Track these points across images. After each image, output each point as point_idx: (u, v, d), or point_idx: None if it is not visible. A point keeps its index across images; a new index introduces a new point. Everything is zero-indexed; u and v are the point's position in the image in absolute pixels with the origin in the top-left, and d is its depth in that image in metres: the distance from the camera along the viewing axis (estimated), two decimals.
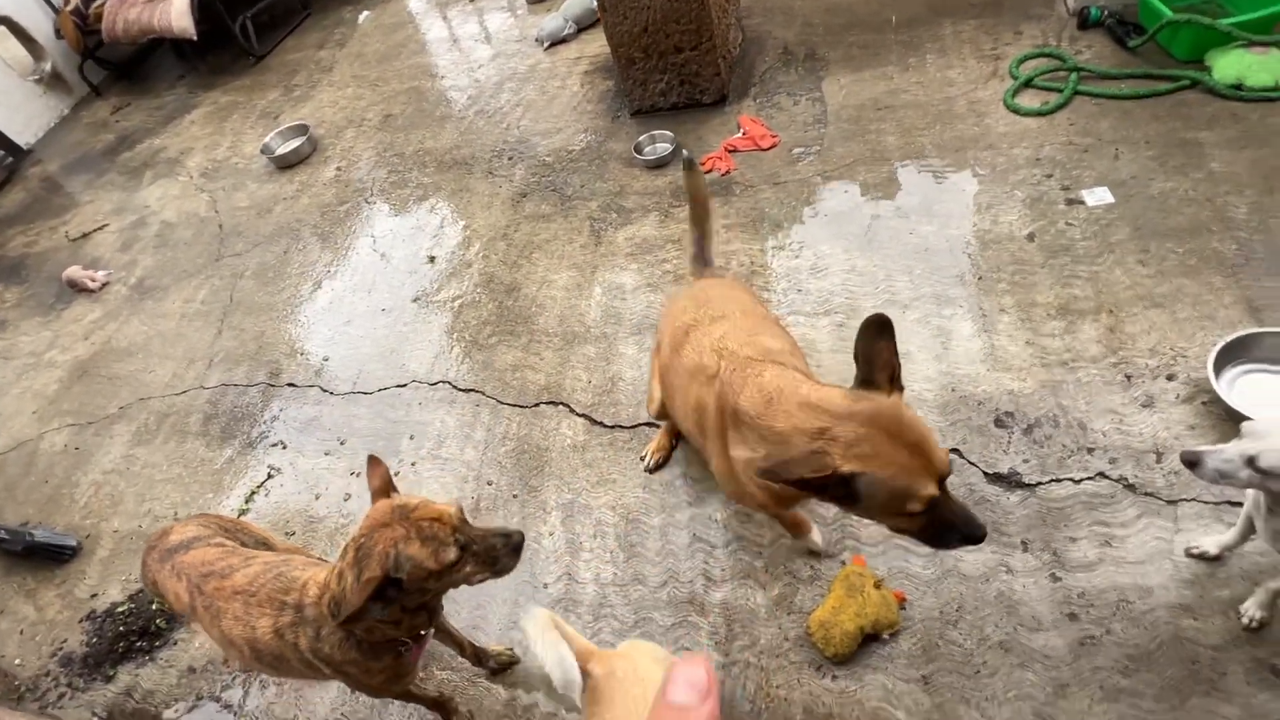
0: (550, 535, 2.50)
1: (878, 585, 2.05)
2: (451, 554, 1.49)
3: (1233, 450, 1.46)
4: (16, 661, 2.76)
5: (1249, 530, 1.77)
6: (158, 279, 4.27)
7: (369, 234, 4.00)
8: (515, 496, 2.64)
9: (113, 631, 2.70)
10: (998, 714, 1.85)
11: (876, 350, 1.41)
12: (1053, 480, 2.18)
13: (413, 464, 2.85)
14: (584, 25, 4.81)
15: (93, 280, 4.36)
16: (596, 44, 4.58)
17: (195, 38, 5.49)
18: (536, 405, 2.89)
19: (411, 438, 2.95)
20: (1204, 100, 2.99)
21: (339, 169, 4.54)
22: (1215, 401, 2.15)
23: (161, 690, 2.52)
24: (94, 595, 2.86)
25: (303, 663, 1.68)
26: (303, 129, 4.80)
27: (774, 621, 2.13)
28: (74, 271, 4.39)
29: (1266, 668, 1.76)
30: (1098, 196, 2.81)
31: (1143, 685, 1.80)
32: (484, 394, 3.00)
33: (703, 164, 3.59)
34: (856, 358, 1.44)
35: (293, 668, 1.73)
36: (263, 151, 4.76)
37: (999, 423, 2.34)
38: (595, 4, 4.35)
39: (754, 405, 1.54)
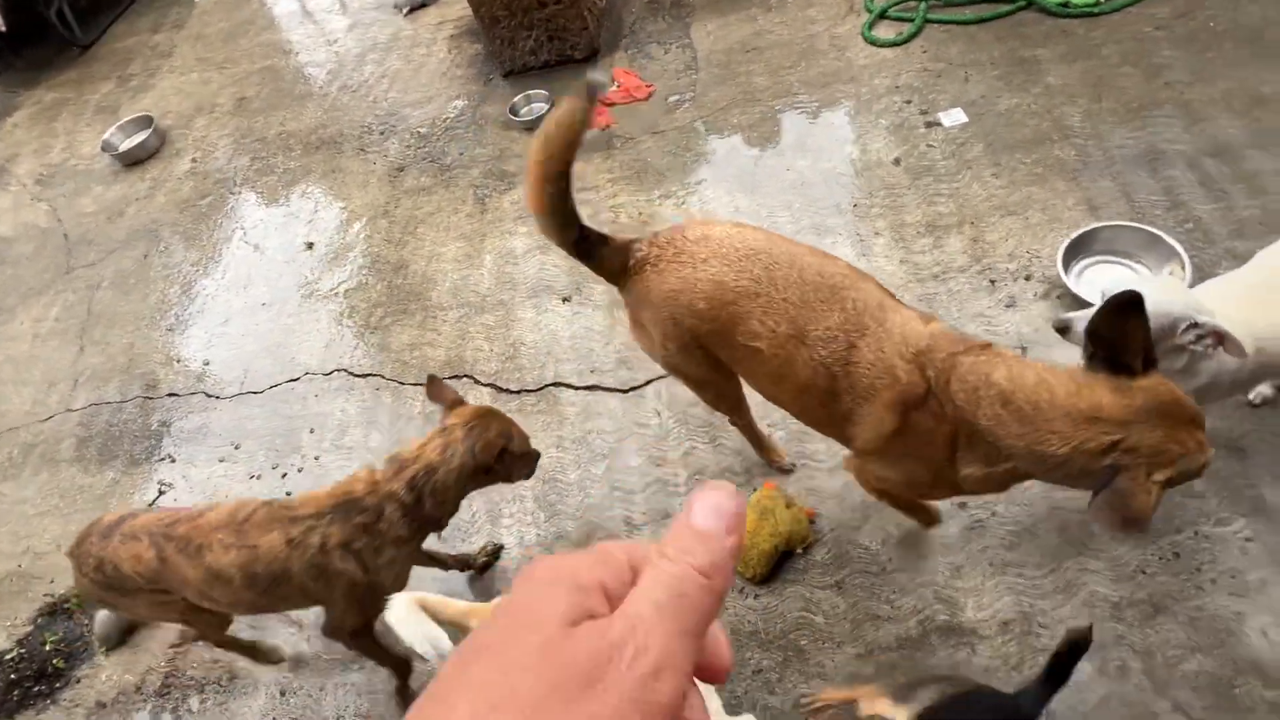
0: (469, 505, 2.47)
1: (789, 505, 2.15)
2: (530, 445, 1.88)
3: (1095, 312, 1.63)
4: None
5: None
6: (0, 301, 3.87)
7: (237, 226, 3.75)
8: None
9: (4, 681, 2.50)
10: (904, 603, 2.00)
11: (1127, 331, 1.23)
12: None
13: (316, 457, 2.74)
14: None
15: None
16: (458, 5, 4.40)
17: (4, 28, 4.91)
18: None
19: (312, 431, 2.83)
20: (1038, 19, 3.20)
21: (194, 161, 4.21)
22: (1067, 294, 2.35)
23: None
24: None
25: (310, 575, 1.70)
26: (146, 121, 4.40)
27: None
28: None
29: None
30: (953, 118, 2.98)
31: (1024, 556, 1.99)
32: (383, 377, 2.91)
33: None
34: (1094, 338, 1.26)
35: (288, 590, 1.73)
36: (104, 149, 4.35)
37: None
38: None
39: (1005, 425, 1.29)
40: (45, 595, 2.68)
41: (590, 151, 3.42)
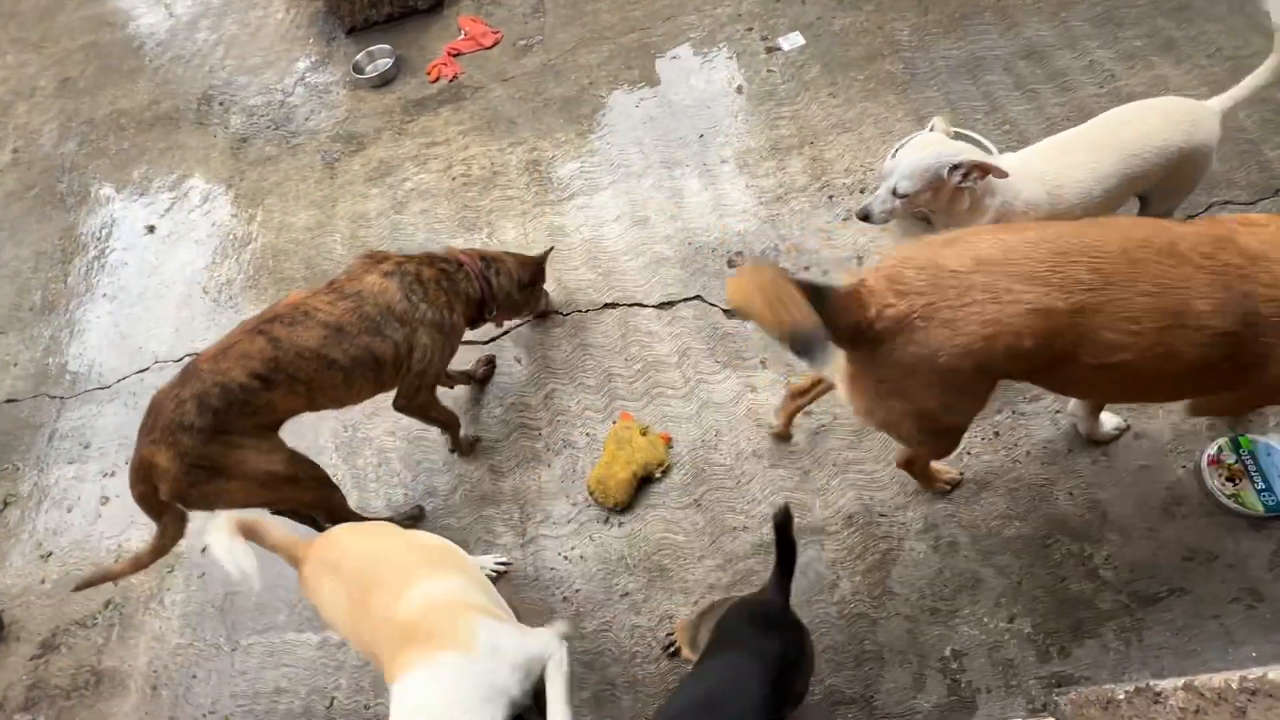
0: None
1: (644, 432, 2.20)
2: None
3: (883, 189, 1.77)
4: None
5: None
6: None
7: (71, 217, 3.49)
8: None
9: None
10: (758, 511, 2.08)
11: None
12: None
13: None
14: None
15: None
16: None
17: None
18: None
19: None
20: None
21: (16, 150, 3.87)
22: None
23: None
24: None
25: (404, 313, 1.92)
26: None
27: (560, 493, 2.23)
28: None
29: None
30: (791, 41, 3.01)
31: (863, 453, 2.09)
32: None
33: (428, 72, 3.43)
34: None
35: (390, 335, 1.90)
36: None
37: (731, 263, 2.52)
38: None
39: None
40: None
41: (439, 105, 3.31)
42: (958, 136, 2.44)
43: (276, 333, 1.81)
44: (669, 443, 2.22)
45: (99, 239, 3.36)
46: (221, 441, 1.74)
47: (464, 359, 2.44)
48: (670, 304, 2.48)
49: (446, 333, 2.03)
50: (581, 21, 3.41)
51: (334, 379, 1.87)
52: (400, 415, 2.15)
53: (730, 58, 3.05)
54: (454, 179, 3.03)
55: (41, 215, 3.54)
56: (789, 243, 2.51)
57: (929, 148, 1.70)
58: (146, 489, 1.77)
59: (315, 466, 1.99)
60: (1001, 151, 2.34)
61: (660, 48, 3.20)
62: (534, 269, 2.30)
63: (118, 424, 2.75)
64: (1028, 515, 1.93)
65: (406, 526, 2.23)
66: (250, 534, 1.61)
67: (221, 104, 3.69)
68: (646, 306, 2.50)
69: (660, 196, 2.74)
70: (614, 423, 2.28)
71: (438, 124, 3.24)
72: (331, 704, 2.06)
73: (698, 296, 2.47)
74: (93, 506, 2.59)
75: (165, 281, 3.10)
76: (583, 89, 3.17)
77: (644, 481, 2.17)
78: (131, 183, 3.53)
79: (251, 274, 3.00)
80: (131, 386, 2.84)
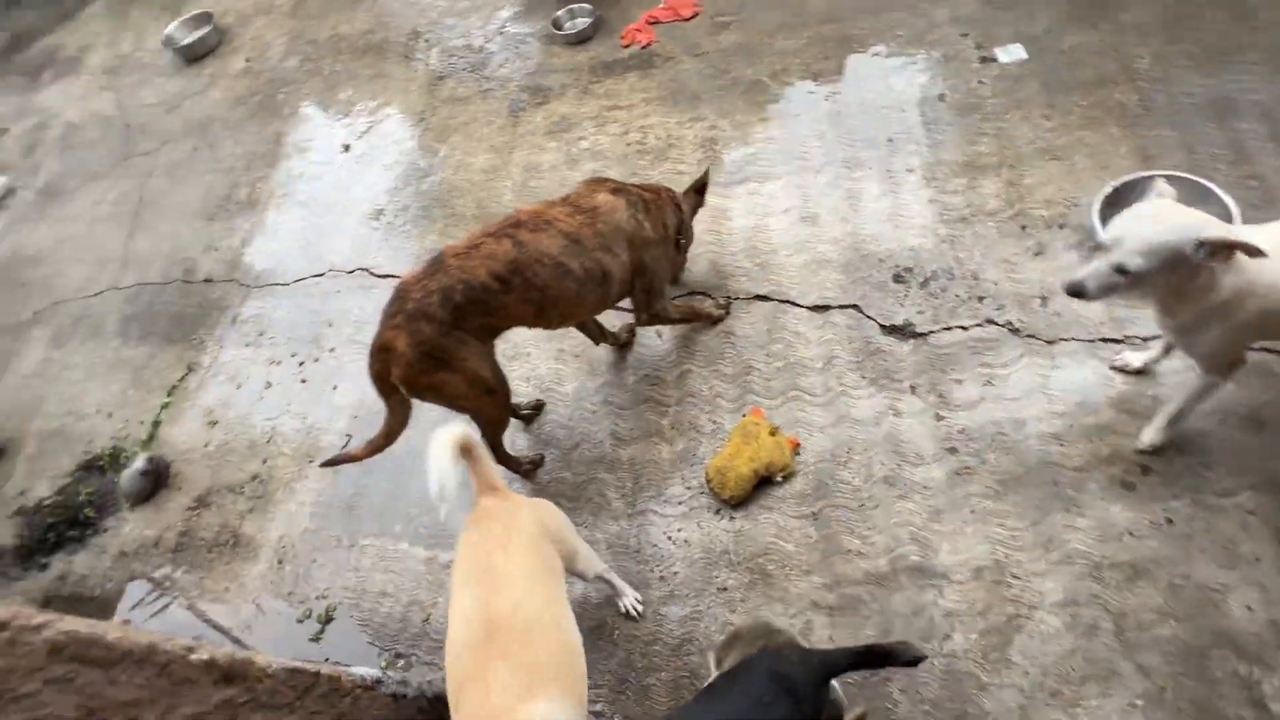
0: None
1: (773, 433, 2.14)
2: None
3: (1102, 264, 1.51)
4: None
5: (1170, 345, 1.88)
6: (64, 182, 4.08)
7: (281, 126, 3.83)
8: None
9: (42, 524, 2.73)
10: (878, 540, 1.97)
11: None
12: (943, 329, 2.25)
13: (332, 350, 2.85)
14: None
15: None
16: None
17: None
18: None
19: (330, 325, 2.93)
20: None
21: (249, 60, 4.29)
22: (1099, 246, 2.20)
23: (95, 573, 2.58)
24: (22, 492, 2.87)
25: (632, 226, 2.04)
26: (206, 18, 4.50)
27: (677, 474, 2.22)
28: None
29: (1119, 484, 1.89)
30: (1011, 53, 2.78)
31: (1009, 506, 1.93)
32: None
33: (622, 37, 3.46)
34: None
35: (618, 251, 2.01)
36: (166, 44, 4.47)
37: (897, 278, 2.38)
38: None
39: None
40: (84, 452, 2.90)
41: (626, 70, 3.34)
42: (1182, 181, 2.13)
43: (521, 236, 1.86)
44: (797, 448, 2.15)
45: (301, 150, 3.67)
46: (454, 337, 1.81)
47: (610, 321, 2.47)
48: (825, 308, 2.39)
49: (666, 247, 2.17)
50: (785, 5, 3.31)
51: (567, 290, 1.92)
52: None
53: (937, 62, 2.86)
54: (629, 144, 3.05)
55: (260, 120, 3.91)
56: (965, 268, 2.33)
57: (1164, 219, 1.45)
58: (382, 368, 1.84)
59: (508, 386, 2.04)
60: (1243, 211, 2.07)
61: (862, 42, 3.05)
62: (696, 202, 2.40)
63: (290, 320, 3.01)
64: (1190, 618, 1.71)
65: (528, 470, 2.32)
66: (468, 455, 1.57)
67: (427, 41, 3.91)
68: (799, 306, 2.42)
69: (834, 196, 2.63)
70: (744, 415, 2.24)
71: (623, 88, 3.27)
72: (428, 619, 2.17)
73: (855, 306, 2.36)
74: (257, 389, 2.86)
75: (352, 199, 3.34)
76: (774, 73, 3.08)
77: (763, 481, 2.12)
78: (338, 103, 3.82)
79: (426, 205, 3.18)
80: (307, 288, 3.09)
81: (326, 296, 3.03)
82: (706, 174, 2.37)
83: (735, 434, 2.16)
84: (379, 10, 4.22)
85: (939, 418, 2.11)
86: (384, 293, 2.91)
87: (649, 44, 3.40)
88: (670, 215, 2.22)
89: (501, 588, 1.39)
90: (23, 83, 4.97)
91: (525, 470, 2.30)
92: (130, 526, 2.64)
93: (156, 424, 2.88)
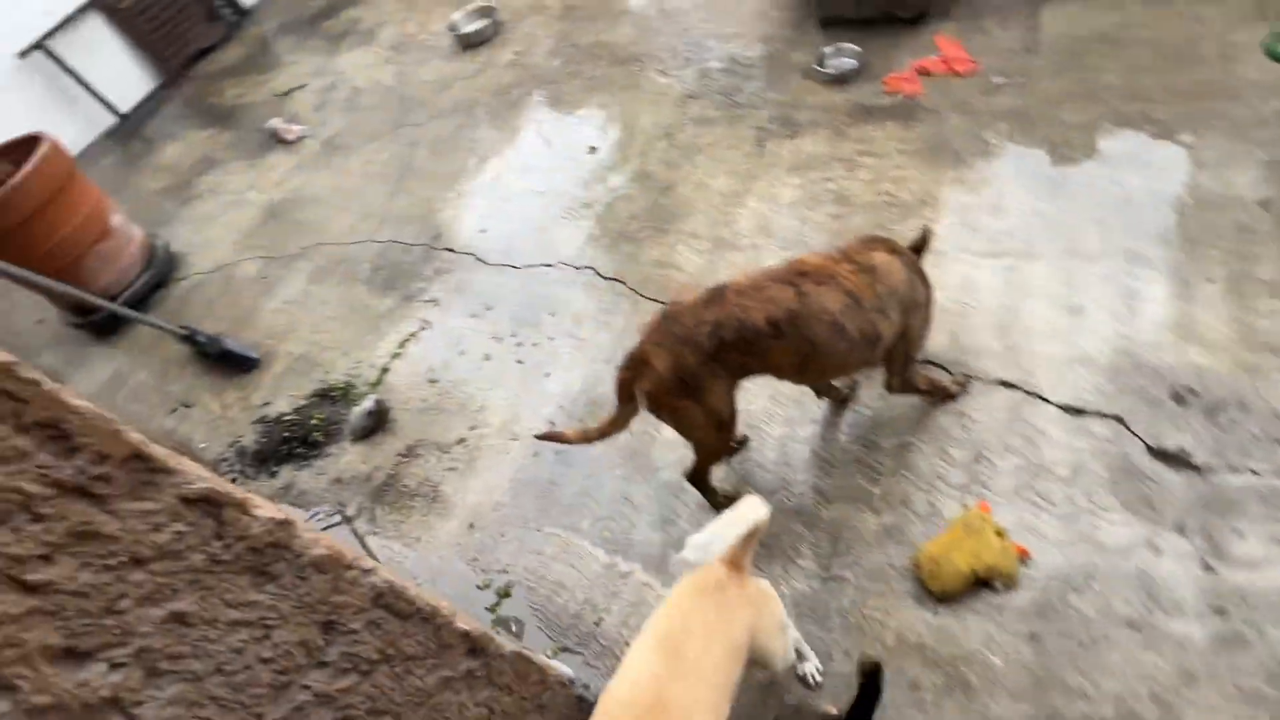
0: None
1: (999, 534, 1.97)
2: None
3: None
4: (202, 445, 3.22)
5: None
6: (345, 139, 4.61)
7: (536, 119, 4.10)
8: None
9: (279, 436, 3.08)
10: (1107, 685, 1.75)
11: None
12: (1230, 469, 1.96)
13: (550, 338, 2.99)
14: None
15: (290, 133, 4.77)
16: None
17: None
18: None
19: (552, 314, 3.07)
20: None
21: (517, 53, 4.64)
22: None
23: (313, 492, 2.87)
24: (266, 403, 3.26)
25: (909, 288, 1.98)
26: (489, 10, 4.91)
27: (881, 548, 2.10)
28: (275, 123, 4.82)
29: None
30: None
31: None
32: (625, 284, 3.06)
33: (885, 83, 3.37)
34: None
35: (890, 313, 1.93)
36: (449, 30, 4.94)
37: (1177, 398, 2.11)
38: None
39: None
40: (320, 380, 3.24)
41: (886, 117, 3.24)
42: None
43: (805, 287, 1.83)
44: (1024, 558, 1.96)
45: (550, 144, 3.90)
46: (710, 368, 1.83)
47: None
48: (1080, 411, 2.17)
49: (929, 312, 2.09)
50: (1077, 74, 3.07)
51: (838, 349, 1.86)
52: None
53: (1262, 164, 2.52)
54: (878, 194, 2.95)
55: (517, 111, 4.21)
56: (1266, 404, 2.03)
57: None
58: (630, 378, 1.87)
59: (736, 423, 2.02)
60: None
61: (1167, 128, 2.75)
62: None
63: (516, 301, 3.20)
64: None
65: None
66: (737, 558, 1.53)
67: (686, 59, 4.02)
68: (1049, 403, 2.21)
69: (1108, 290, 2.38)
70: (966, 507, 2.08)
71: (879, 135, 3.18)
72: (599, 622, 2.21)
73: (1118, 417, 2.12)
74: (476, 359, 3.06)
75: (590, 198, 3.50)
76: (1052, 146, 2.86)
77: (978, 583, 1.95)
78: (590, 105, 4.02)
79: (660, 218, 3.26)
80: (535, 274, 3.27)
81: (553, 286, 3.19)
82: (927, 233, 2.07)
83: (957, 524, 2.00)
84: (642, 23, 4.40)
85: (1208, 568, 1.84)
86: (605, 295, 3.07)
87: (914, 94, 3.28)
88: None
89: (682, 680, 1.36)
90: (325, 45, 5.69)
91: (719, 504, 2.28)
92: (349, 458, 2.91)
93: (385, 370, 3.16)
